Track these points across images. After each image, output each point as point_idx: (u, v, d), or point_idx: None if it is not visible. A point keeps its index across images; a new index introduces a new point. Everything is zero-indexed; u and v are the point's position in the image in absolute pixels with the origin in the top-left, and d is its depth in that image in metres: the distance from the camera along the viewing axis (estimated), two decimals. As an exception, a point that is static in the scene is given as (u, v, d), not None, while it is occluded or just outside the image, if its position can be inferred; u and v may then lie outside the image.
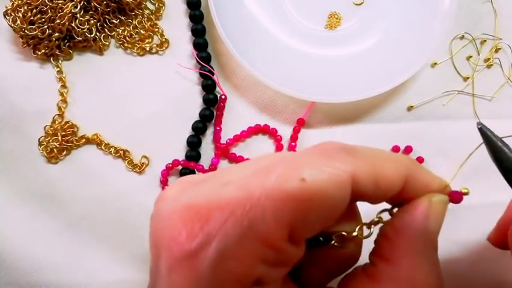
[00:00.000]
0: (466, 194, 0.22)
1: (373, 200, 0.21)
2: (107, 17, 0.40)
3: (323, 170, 0.19)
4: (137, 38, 0.40)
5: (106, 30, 0.40)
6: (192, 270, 0.19)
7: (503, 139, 0.23)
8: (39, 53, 0.39)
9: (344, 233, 0.22)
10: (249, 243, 0.18)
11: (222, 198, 0.19)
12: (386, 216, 0.23)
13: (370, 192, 0.20)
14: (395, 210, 0.23)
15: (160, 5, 0.41)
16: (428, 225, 0.21)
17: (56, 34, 0.38)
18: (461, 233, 0.37)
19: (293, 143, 0.39)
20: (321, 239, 0.22)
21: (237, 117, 0.40)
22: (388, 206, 0.23)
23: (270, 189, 0.19)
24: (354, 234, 0.22)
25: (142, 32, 0.41)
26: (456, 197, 0.22)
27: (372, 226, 0.23)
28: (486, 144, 0.23)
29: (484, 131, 0.23)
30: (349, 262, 0.23)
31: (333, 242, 0.22)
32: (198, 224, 0.19)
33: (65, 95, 0.39)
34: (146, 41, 0.40)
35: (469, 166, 0.39)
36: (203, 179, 0.22)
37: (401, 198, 0.22)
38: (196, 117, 0.39)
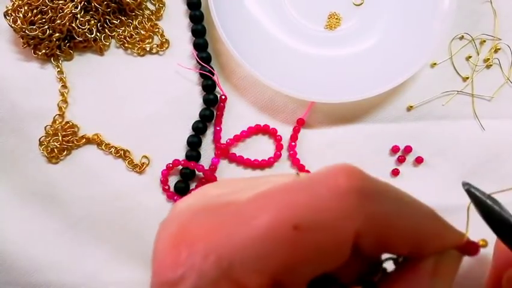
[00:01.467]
0: (484, 246, 0.20)
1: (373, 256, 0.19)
2: (107, 17, 0.40)
3: (322, 220, 0.17)
4: (137, 39, 0.40)
5: (106, 30, 0.40)
6: None
7: (492, 195, 0.21)
8: (40, 53, 0.39)
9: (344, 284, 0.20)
10: (225, 286, 0.17)
11: (211, 229, 0.18)
12: (390, 265, 0.21)
13: (372, 250, 0.18)
14: (401, 259, 0.21)
15: (161, 5, 0.41)
16: (435, 284, 0.19)
17: (57, 34, 0.38)
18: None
19: (293, 143, 0.39)
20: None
21: (237, 117, 0.40)
22: None
23: (256, 234, 0.17)
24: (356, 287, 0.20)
25: (143, 32, 0.41)
26: (471, 250, 0.20)
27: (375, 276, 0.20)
28: (474, 204, 0.21)
29: (471, 192, 0.21)
30: None
31: None
32: (184, 252, 0.18)
33: (65, 95, 0.39)
34: (147, 41, 0.40)
35: (468, 166, 0.39)
36: (215, 197, 0.20)
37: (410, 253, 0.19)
38: (196, 117, 0.39)
